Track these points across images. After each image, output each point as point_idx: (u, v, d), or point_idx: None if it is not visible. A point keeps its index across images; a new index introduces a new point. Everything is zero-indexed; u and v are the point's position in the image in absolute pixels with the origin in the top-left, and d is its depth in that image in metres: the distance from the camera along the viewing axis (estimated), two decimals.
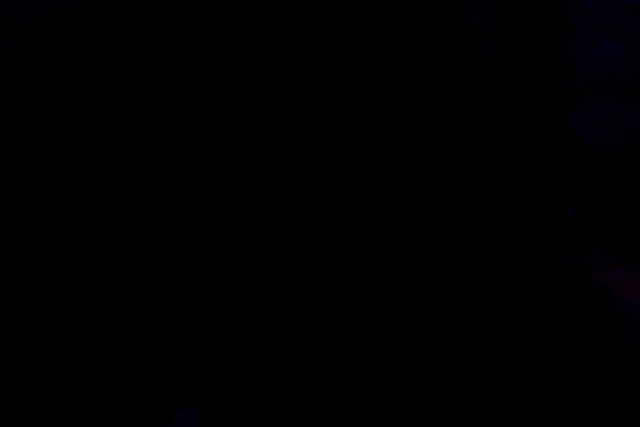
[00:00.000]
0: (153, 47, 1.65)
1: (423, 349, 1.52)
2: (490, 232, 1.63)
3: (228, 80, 1.62)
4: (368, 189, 1.58)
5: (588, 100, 1.78)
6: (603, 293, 1.59)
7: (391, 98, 1.74)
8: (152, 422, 1.33)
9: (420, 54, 1.76)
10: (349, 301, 1.53)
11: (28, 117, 1.76)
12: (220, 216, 1.50)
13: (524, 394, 1.54)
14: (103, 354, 1.40)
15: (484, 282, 1.60)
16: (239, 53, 1.64)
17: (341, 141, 1.61)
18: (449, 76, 1.75)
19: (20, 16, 1.73)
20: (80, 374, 1.37)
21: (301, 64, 1.67)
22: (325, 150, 1.58)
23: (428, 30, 1.76)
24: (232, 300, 1.49)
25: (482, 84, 1.77)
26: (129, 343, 1.41)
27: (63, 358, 1.37)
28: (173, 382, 1.38)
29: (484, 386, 1.52)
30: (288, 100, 1.62)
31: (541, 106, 1.79)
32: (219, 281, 1.48)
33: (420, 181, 1.63)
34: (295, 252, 1.51)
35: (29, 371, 1.36)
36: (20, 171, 1.74)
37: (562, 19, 1.79)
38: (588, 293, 1.60)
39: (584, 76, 1.78)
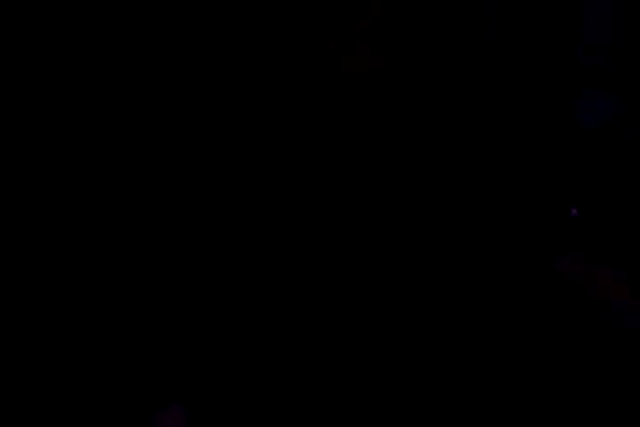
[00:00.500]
0: (153, 48, 1.64)
1: (409, 347, 1.53)
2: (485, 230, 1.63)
3: (228, 82, 1.61)
4: (366, 186, 1.58)
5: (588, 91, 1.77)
6: (582, 291, 1.60)
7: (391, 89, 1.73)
8: (132, 417, 1.33)
9: (426, 39, 1.73)
10: (344, 299, 1.54)
11: (28, 117, 1.76)
12: (217, 216, 1.51)
13: (509, 391, 1.55)
14: (84, 347, 1.41)
15: (477, 280, 1.60)
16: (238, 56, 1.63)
17: (340, 139, 1.60)
18: (451, 64, 1.73)
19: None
20: (59, 366, 1.38)
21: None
22: (325, 149, 1.58)
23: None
24: (221, 297, 1.50)
25: (484, 74, 1.76)
26: (112, 337, 1.41)
27: (43, 350, 1.38)
28: (158, 379, 1.39)
29: (469, 384, 1.53)
30: (289, 101, 1.61)
31: (547, 98, 1.77)
32: (207, 278, 1.48)
33: (418, 178, 1.63)
34: (290, 250, 1.51)
35: (8, 364, 1.37)
36: (19, 171, 1.74)
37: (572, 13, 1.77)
38: (570, 292, 1.61)
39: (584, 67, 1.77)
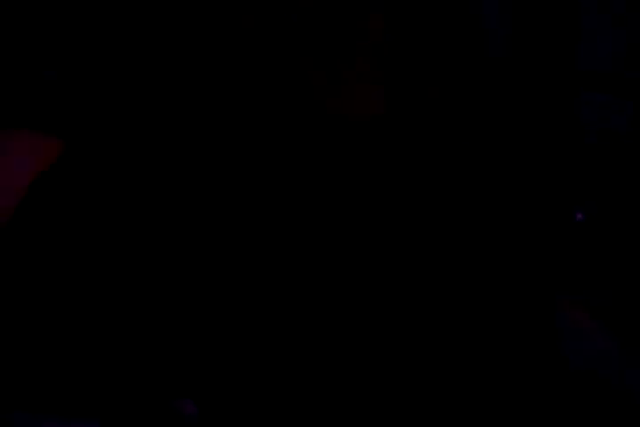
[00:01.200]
0: (152, 48, 1.64)
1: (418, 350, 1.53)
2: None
3: (227, 82, 1.61)
4: (367, 187, 1.59)
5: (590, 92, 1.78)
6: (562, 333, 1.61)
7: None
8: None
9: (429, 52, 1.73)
10: (345, 300, 1.55)
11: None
12: (214, 214, 1.51)
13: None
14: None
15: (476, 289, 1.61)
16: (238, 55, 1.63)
17: (340, 140, 1.60)
18: (457, 73, 1.73)
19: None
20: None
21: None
22: (322, 150, 1.58)
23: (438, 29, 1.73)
24: (228, 297, 1.50)
25: (489, 81, 1.76)
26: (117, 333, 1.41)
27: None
28: (165, 375, 1.39)
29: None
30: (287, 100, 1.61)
31: (550, 99, 1.77)
32: (213, 278, 1.49)
33: (418, 180, 1.63)
34: (291, 250, 1.52)
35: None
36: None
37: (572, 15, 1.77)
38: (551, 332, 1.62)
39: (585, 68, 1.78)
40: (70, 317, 1.39)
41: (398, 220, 1.59)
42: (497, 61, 1.71)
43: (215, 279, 1.50)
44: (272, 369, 1.49)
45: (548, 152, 1.76)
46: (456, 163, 1.68)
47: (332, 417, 1.48)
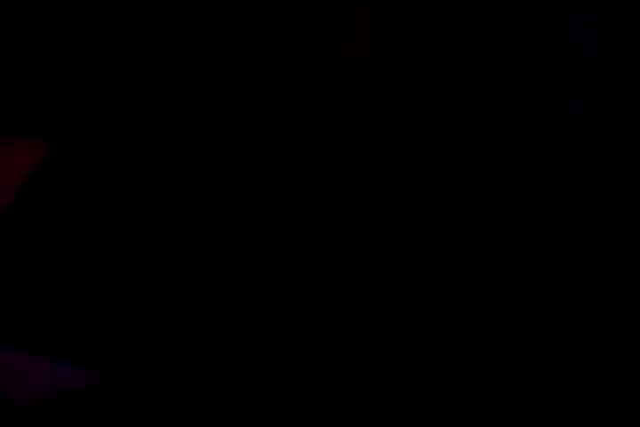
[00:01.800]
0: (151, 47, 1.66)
1: (422, 347, 1.52)
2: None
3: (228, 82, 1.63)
4: (367, 185, 1.59)
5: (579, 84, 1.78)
6: None
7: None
8: None
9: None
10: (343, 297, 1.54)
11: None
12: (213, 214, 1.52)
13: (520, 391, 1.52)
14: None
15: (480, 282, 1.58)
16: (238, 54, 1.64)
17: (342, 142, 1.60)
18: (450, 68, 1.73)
19: None
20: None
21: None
22: (324, 150, 1.59)
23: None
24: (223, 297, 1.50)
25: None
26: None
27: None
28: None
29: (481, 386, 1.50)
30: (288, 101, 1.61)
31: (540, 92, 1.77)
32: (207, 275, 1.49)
33: (413, 176, 1.63)
34: (290, 248, 1.52)
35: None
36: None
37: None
38: None
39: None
40: (65, 313, 1.41)
41: (398, 193, 1.59)
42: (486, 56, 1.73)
43: (212, 273, 1.51)
44: (271, 368, 1.48)
45: (540, 145, 1.77)
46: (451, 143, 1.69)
47: (331, 416, 1.47)
